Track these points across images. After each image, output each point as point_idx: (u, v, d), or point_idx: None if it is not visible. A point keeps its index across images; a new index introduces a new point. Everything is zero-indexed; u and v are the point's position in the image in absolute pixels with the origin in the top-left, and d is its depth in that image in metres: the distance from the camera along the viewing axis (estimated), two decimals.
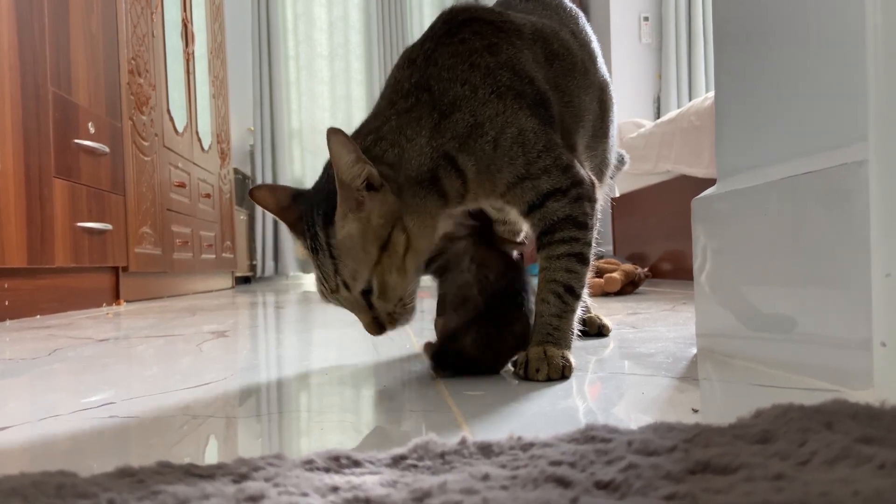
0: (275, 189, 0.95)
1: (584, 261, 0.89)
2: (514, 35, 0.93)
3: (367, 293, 0.85)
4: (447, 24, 0.92)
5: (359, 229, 0.82)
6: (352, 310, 0.88)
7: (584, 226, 0.88)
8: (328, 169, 0.87)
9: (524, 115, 0.87)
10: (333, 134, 0.79)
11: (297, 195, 0.92)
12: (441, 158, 0.86)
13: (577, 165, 0.91)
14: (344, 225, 0.82)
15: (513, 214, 0.96)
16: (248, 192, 0.89)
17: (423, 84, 0.87)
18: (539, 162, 0.87)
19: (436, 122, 0.86)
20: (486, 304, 0.86)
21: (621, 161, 1.32)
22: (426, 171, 0.86)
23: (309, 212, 0.86)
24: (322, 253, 0.85)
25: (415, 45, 0.93)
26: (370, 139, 0.86)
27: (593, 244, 0.90)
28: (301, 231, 0.88)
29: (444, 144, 0.86)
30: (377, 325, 0.87)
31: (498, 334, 0.86)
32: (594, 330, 1.23)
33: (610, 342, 1.17)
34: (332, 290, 0.86)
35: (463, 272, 0.90)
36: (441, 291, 0.93)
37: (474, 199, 0.91)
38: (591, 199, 0.91)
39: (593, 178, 0.94)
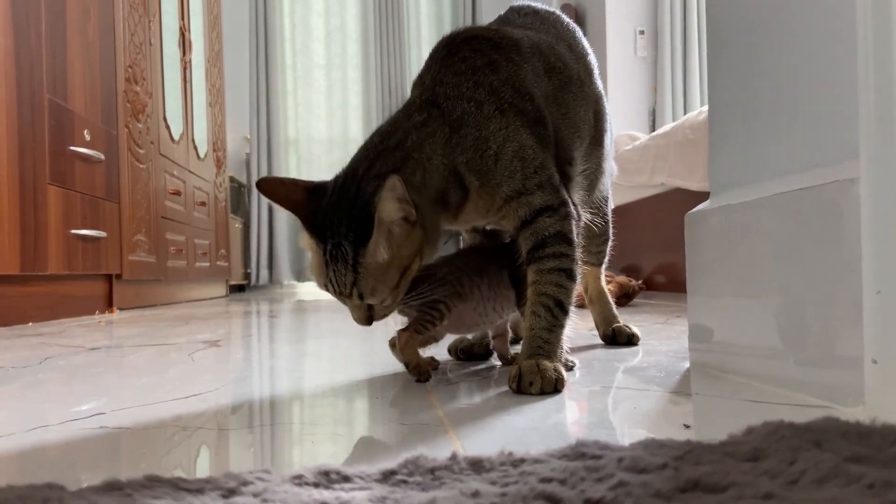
0: (284, 182, 0.92)
1: (571, 277, 0.91)
2: (513, 51, 0.96)
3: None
4: (447, 47, 0.96)
5: (389, 259, 0.85)
6: (351, 307, 0.91)
7: (571, 242, 0.92)
8: (358, 181, 0.86)
9: (524, 132, 0.90)
10: (394, 182, 0.80)
11: (312, 190, 0.91)
12: (451, 174, 0.89)
13: (563, 188, 0.94)
14: (377, 253, 0.84)
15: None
16: (256, 183, 0.90)
17: (433, 101, 0.91)
18: (535, 178, 0.90)
19: (447, 136, 0.89)
20: None
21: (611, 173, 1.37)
22: (440, 188, 0.88)
23: (334, 221, 0.86)
24: (343, 264, 0.85)
25: (422, 72, 0.97)
26: (398, 156, 0.87)
27: (579, 262, 0.93)
28: (320, 235, 0.87)
29: (455, 159, 0.89)
30: (368, 319, 0.91)
31: None
32: (623, 339, 1.28)
33: (602, 354, 1.17)
34: (342, 293, 0.88)
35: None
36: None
37: (465, 218, 0.94)
38: (577, 219, 0.94)
39: (575, 200, 0.98)
